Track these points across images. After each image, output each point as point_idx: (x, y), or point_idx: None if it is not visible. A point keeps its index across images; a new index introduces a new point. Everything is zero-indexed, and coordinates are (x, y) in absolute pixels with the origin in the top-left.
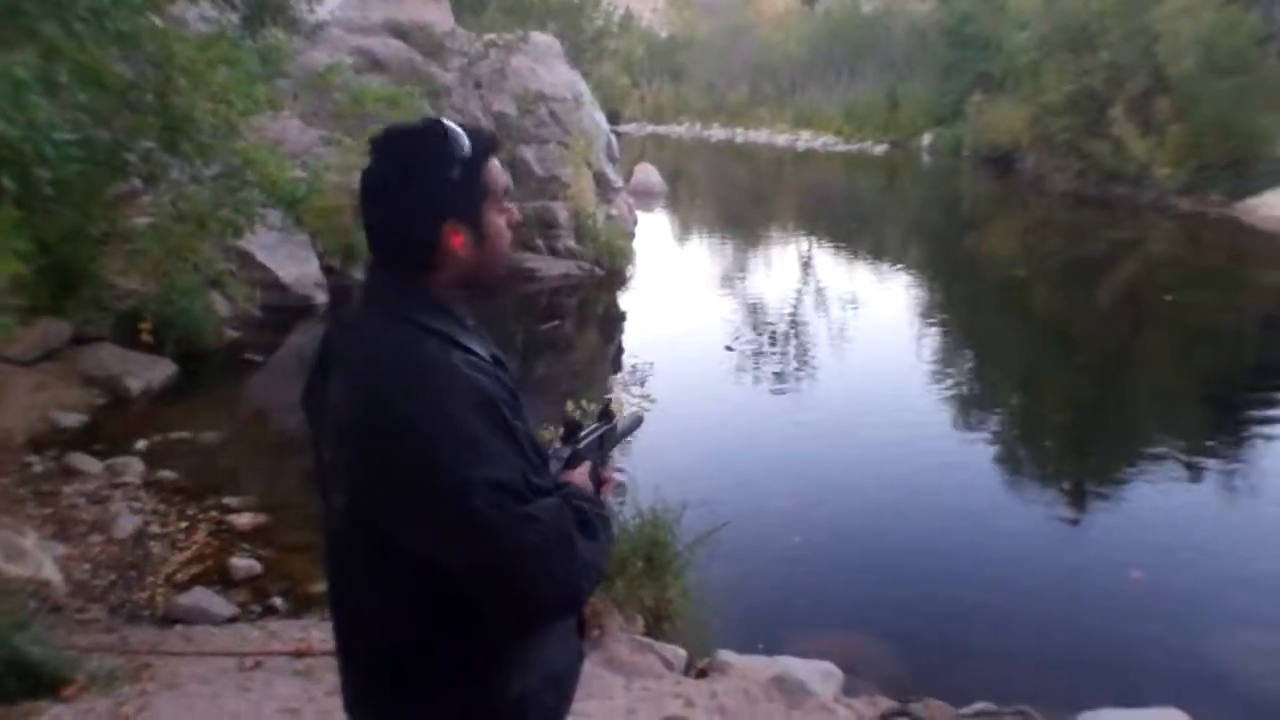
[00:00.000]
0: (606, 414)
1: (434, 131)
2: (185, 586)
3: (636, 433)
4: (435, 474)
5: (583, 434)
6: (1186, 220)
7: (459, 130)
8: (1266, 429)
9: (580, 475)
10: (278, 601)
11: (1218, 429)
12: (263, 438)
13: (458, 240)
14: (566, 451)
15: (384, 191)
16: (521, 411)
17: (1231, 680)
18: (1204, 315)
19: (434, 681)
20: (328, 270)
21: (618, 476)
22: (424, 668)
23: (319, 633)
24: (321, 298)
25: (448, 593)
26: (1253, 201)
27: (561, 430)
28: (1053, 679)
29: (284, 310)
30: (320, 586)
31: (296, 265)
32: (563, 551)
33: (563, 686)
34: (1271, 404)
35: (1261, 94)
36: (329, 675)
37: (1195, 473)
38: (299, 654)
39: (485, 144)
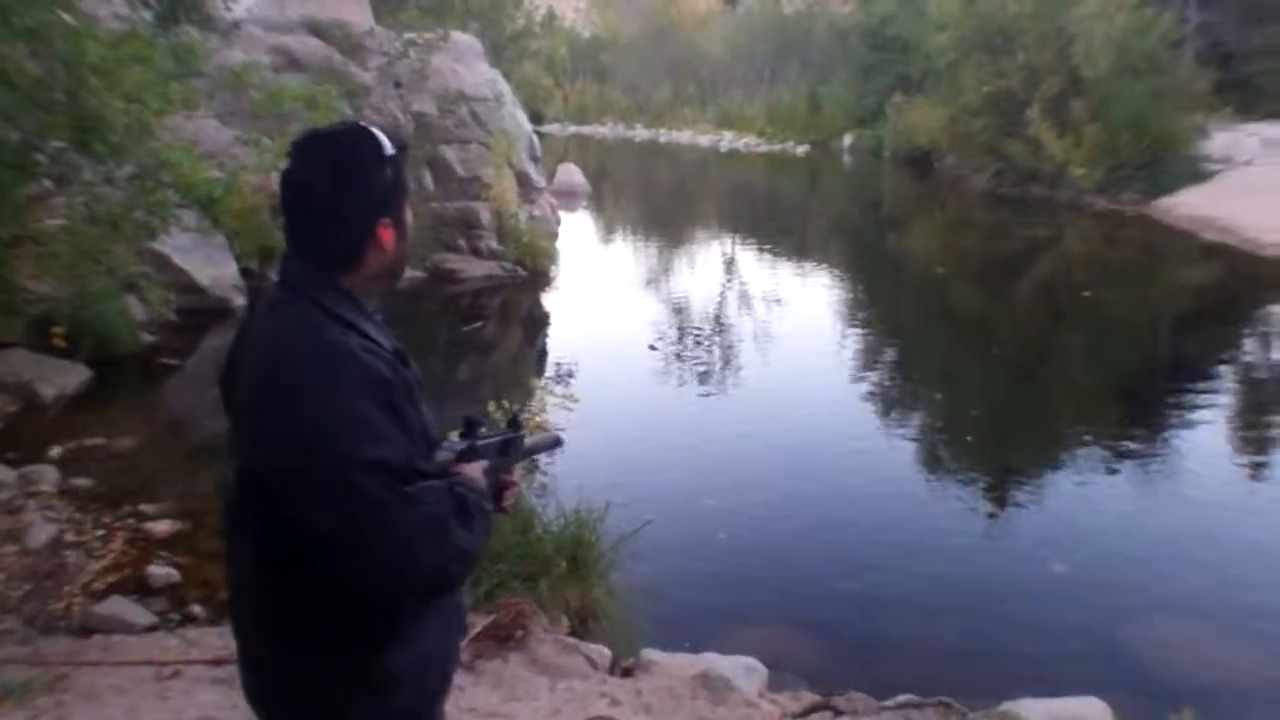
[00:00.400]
0: (514, 423)
1: (365, 134)
2: (102, 596)
3: (556, 452)
4: (323, 448)
5: (484, 434)
6: (1102, 219)
7: (379, 132)
8: (1182, 423)
9: (473, 469)
10: (197, 609)
11: (1135, 423)
12: (179, 443)
13: (388, 235)
14: (461, 445)
15: (320, 193)
16: (418, 402)
17: (1148, 669)
18: (1121, 311)
19: (310, 649)
20: (245, 272)
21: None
22: (302, 636)
23: None
24: (239, 300)
25: (327, 563)
26: (1166, 201)
27: (461, 427)
28: (974, 670)
29: (201, 313)
30: None
31: (213, 267)
32: (437, 534)
33: (440, 670)
34: (1187, 398)
35: (1174, 95)
36: None
37: (1114, 466)
38: (219, 662)
39: (402, 142)
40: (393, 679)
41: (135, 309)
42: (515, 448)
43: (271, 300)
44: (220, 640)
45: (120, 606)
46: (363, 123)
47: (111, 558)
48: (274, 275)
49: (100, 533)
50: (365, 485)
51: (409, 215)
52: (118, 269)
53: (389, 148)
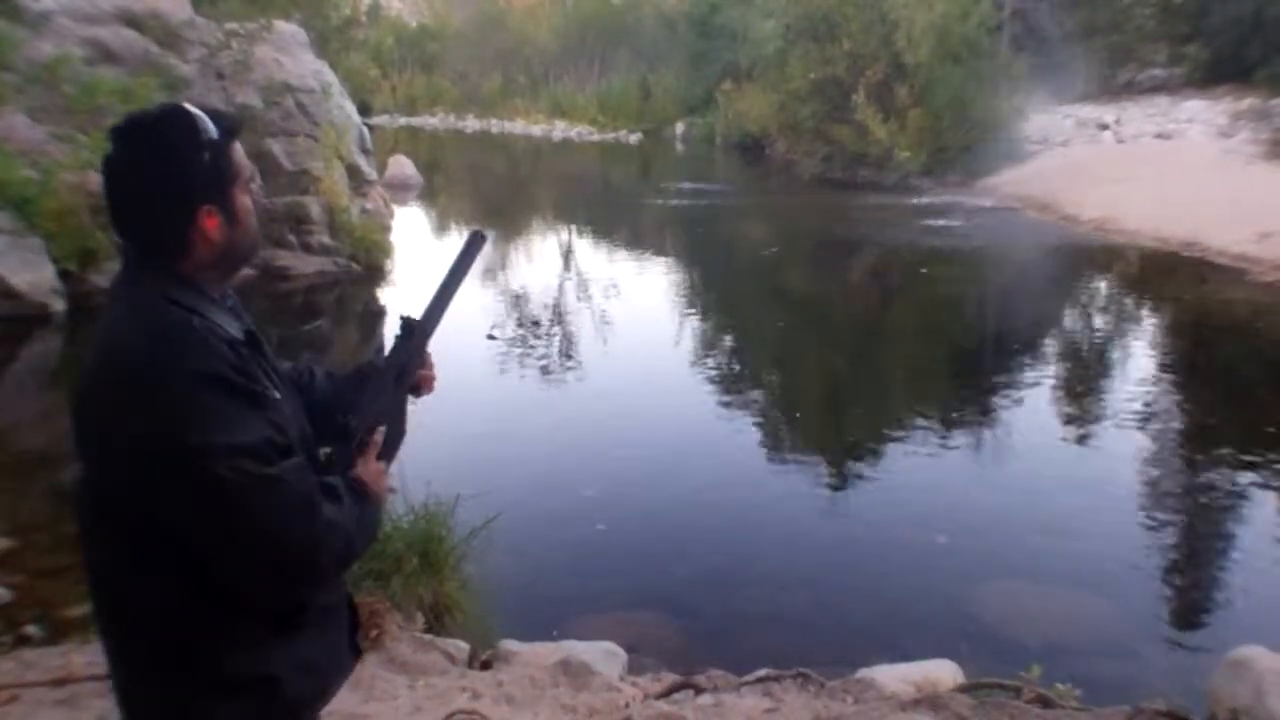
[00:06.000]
0: (408, 328)
1: (180, 117)
2: None
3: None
4: (176, 442)
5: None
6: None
7: (202, 113)
8: (1017, 393)
9: (368, 471)
10: (32, 630)
11: (972, 395)
12: (2, 458)
13: (212, 224)
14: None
15: (130, 181)
16: (276, 385)
17: (996, 630)
18: (955, 286)
19: (172, 656)
20: (65, 275)
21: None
22: (163, 641)
23: (81, 658)
24: (60, 305)
25: (185, 565)
26: (989, 180)
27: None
28: (830, 641)
29: (18, 320)
30: (79, 610)
31: (30, 271)
32: (305, 510)
33: (320, 676)
34: (1020, 370)
35: (993, 79)
36: (95, 701)
37: (952, 438)
38: (60, 682)
39: (230, 125)
40: (263, 688)
41: None
42: (413, 348)
43: (113, 293)
44: (60, 660)
45: None
46: (186, 105)
47: None
48: (99, 279)
49: None
50: (227, 474)
51: (244, 201)
52: None
53: (210, 130)
